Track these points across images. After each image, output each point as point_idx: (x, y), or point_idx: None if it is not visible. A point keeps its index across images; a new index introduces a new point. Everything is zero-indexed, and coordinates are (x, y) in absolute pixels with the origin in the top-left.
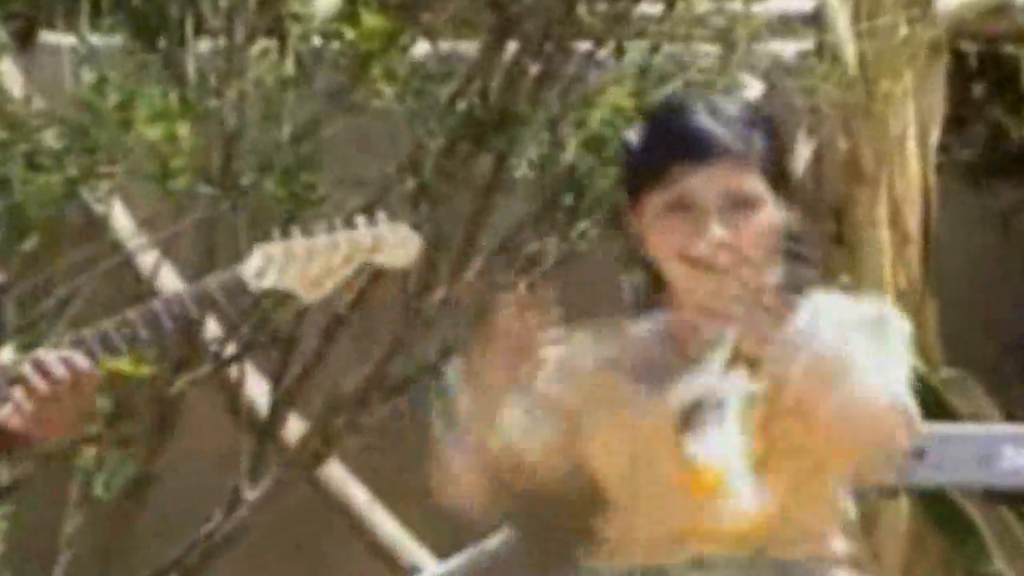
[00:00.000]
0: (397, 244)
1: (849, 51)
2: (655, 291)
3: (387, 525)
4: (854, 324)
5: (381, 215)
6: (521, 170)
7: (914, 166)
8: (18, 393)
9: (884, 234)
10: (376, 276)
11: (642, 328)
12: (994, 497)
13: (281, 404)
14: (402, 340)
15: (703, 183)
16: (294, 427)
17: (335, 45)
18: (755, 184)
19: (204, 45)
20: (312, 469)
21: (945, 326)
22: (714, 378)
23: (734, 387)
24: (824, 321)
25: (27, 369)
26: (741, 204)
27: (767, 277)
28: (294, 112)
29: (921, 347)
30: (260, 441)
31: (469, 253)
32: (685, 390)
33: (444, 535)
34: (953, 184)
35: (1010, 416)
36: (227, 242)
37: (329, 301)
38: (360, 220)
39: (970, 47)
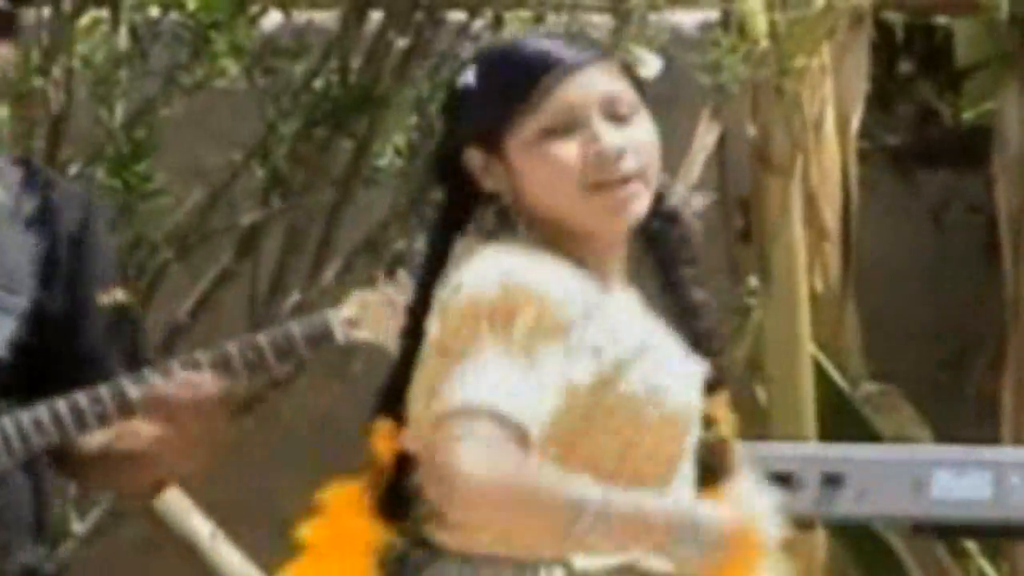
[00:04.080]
0: None
1: (759, 22)
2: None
3: (232, 560)
4: None
5: None
6: (386, 158)
7: (832, 153)
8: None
9: (798, 230)
10: (221, 278)
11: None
12: (925, 530)
13: None
14: None
15: (577, 91)
16: None
17: (174, 16)
18: (627, 89)
19: (26, 16)
20: (149, 498)
21: (868, 335)
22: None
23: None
24: None
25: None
26: (621, 112)
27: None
28: (128, 92)
29: (840, 359)
30: None
31: (327, 252)
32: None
33: None
34: (877, 173)
35: (945, 437)
36: None
37: (167, 307)
38: None
39: (896, 18)
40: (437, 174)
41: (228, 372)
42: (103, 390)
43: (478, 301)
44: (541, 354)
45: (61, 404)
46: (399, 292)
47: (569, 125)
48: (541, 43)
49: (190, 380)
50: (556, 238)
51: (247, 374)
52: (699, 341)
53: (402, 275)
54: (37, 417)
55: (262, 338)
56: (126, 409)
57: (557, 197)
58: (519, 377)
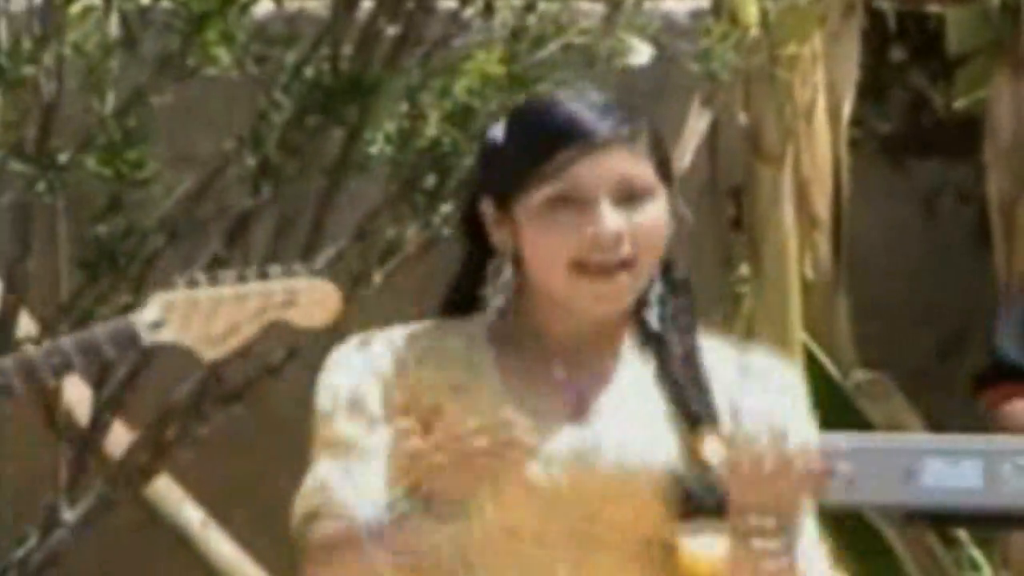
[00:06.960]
0: (314, 301)
1: (750, 10)
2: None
3: (224, 548)
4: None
5: (298, 267)
6: (377, 146)
7: (824, 141)
8: None
9: (789, 218)
10: (211, 265)
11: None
12: (916, 518)
13: (104, 411)
14: None
15: (592, 170)
16: (119, 437)
17: (165, 4)
18: (646, 172)
19: (17, 3)
20: (140, 486)
21: (859, 323)
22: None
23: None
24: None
25: None
26: (634, 195)
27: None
28: (119, 80)
29: (831, 347)
30: (80, 454)
31: (317, 239)
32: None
33: (285, 558)
34: (868, 161)
35: (937, 426)
36: (44, 227)
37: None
38: (275, 270)
39: (888, 6)
40: (460, 216)
41: (33, 378)
42: None
43: None
44: None
45: None
46: (203, 291)
47: (576, 200)
48: (573, 110)
49: None
50: (543, 307)
51: (54, 379)
52: (697, 414)
53: (199, 276)
54: None
55: (66, 342)
56: None
57: (548, 269)
58: None
